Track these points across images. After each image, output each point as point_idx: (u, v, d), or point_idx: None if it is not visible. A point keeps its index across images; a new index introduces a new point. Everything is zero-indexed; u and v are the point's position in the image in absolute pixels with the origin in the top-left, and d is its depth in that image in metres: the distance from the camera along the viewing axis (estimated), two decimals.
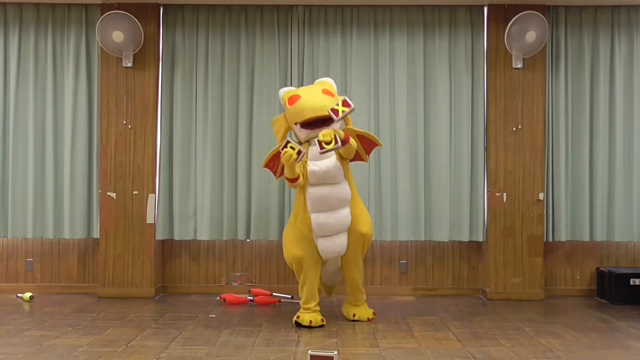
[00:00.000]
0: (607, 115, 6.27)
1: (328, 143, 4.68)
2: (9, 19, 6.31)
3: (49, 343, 4.42)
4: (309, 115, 4.93)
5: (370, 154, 5.20)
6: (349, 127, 5.16)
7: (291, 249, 5.05)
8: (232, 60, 6.30)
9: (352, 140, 4.86)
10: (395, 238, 6.21)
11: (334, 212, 4.89)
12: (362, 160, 5.17)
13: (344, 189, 4.94)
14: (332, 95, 5.08)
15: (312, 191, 4.89)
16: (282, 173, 5.02)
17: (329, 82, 5.30)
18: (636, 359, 4.17)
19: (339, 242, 4.96)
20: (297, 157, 4.65)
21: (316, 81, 5.41)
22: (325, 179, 4.86)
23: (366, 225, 5.07)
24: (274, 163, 5.08)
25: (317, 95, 5.03)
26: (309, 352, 3.87)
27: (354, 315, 5.15)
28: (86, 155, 6.26)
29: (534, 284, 6.13)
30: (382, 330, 4.87)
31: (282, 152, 4.69)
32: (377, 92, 6.26)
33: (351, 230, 4.98)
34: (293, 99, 5.06)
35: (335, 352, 3.81)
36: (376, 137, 5.22)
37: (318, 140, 4.73)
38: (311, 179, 4.89)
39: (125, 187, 6.15)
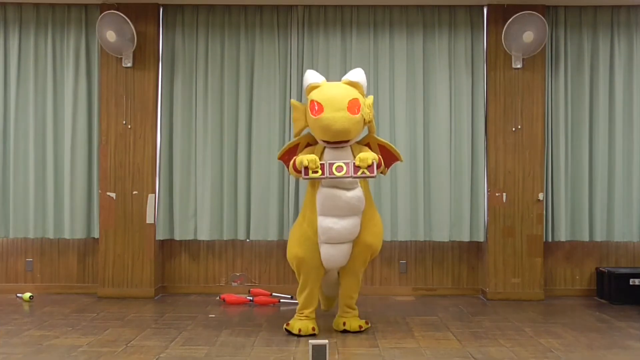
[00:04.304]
0: (606, 115, 6.27)
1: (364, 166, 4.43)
2: (9, 19, 6.31)
3: (49, 343, 4.42)
4: (328, 138, 4.57)
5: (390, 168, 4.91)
6: (372, 135, 4.82)
7: (293, 248, 4.76)
8: (232, 61, 6.30)
9: (383, 168, 4.69)
10: (395, 238, 6.21)
11: (342, 219, 4.55)
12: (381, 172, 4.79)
13: (356, 196, 4.56)
14: (357, 110, 4.53)
15: (323, 191, 4.55)
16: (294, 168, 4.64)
17: (359, 84, 4.69)
18: (636, 359, 4.17)
19: (344, 253, 4.65)
20: (310, 172, 4.43)
21: (344, 78, 4.75)
22: (338, 182, 4.52)
23: (374, 236, 4.73)
24: (289, 157, 4.76)
25: (341, 115, 4.48)
26: (310, 341, 3.78)
27: (344, 324, 4.78)
28: (86, 155, 6.27)
29: (534, 284, 6.13)
30: (382, 330, 4.87)
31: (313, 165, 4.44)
32: (377, 92, 6.25)
33: (357, 239, 4.65)
34: (315, 108, 4.55)
35: (327, 341, 3.72)
36: (399, 152, 4.86)
37: (354, 164, 4.43)
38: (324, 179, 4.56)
39: (125, 187, 6.15)
